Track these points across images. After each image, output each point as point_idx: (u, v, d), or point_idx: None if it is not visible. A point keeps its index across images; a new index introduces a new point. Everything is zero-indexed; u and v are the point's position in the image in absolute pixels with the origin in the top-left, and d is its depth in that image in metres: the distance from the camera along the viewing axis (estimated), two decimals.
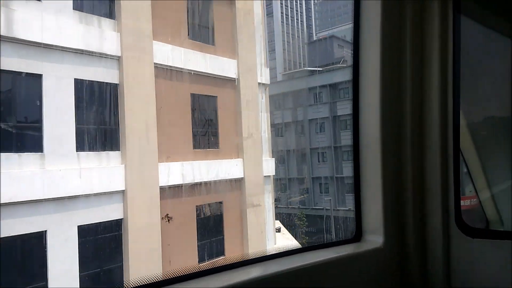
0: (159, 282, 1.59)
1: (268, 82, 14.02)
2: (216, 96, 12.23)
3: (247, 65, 12.97)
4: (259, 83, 13.48)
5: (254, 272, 1.77)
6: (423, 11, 2.11)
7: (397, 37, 2.11)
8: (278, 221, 21.14)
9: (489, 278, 1.98)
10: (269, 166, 13.87)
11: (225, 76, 12.42)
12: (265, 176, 13.52)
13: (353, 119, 2.23)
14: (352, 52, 2.26)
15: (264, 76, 13.84)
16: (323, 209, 31.14)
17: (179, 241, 10.76)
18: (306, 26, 71.20)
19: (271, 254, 1.89)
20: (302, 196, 32.85)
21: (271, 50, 67.84)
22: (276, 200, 34.40)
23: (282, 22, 68.68)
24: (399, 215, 2.12)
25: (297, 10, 70.85)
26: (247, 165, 12.62)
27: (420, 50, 2.12)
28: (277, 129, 33.87)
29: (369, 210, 2.15)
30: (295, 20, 69.66)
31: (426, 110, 2.10)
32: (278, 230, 16.69)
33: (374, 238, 2.09)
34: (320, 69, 33.91)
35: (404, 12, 2.11)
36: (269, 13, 68.58)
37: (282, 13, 68.17)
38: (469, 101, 2.62)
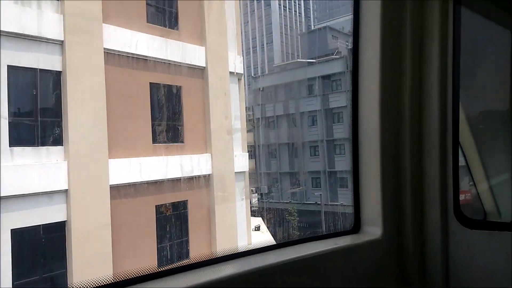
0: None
1: (242, 71, 12.85)
2: (181, 86, 11.10)
3: (216, 52, 11.80)
4: (231, 72, 12.33)
5: (252, 263, 1.71)
6: (423, 2, 2.03)
7: (397, 29, 2.05)
8: (260, 219, 20.09)
9: (487, 269, 1.95)
10: (242, 161, 12.76)
11: (191, 64, 11.27)
12: (237, 172, 12.42)
13: (352, 112, 2.18)
14: (352, 43, 2.18)
15: (237, 64, 12.67)
16: (315, 203, 30.10)
17: (134, 244, 9.70)
18: (305, 18, 69.60)
19: (270, 246, 1.83)
20: (293, 191, 31.78)
21: (269, 42, 66.47)
22: (268, 193, 33.38)
23: (280, 14, 67.17)
24: (397, 207, 2.09)
25: (295, 2, 69.24)
26: (216, 160, 11.51)
27: (420, 42, 2.05)
28: (269, 122, 32.76)
29: (368, 202, 2.12)
30: (293, 12, 68.06)
31: (425, 103, 2.05)
32: (258, 228, 15.63)
33: (373, 230, 2.06)
34: (313, 60, 32.67)
35: (404, 3, 2.04)
36: (266, 5, 67.10)
37: (280, 5, 66.64)
38: (469, 94, 2.57)
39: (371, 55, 2.06)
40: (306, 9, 71.67)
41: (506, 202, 2.78)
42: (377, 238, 2.03)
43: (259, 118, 32.51)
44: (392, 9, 2.03)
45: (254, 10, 67.13)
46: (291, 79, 31.68)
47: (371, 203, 2.11)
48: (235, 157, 12.33)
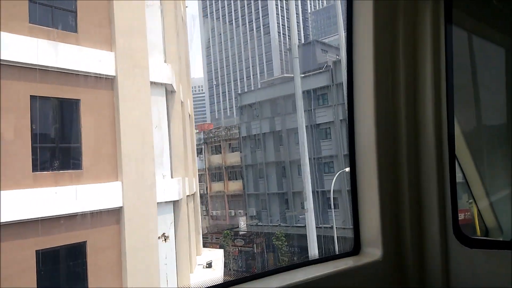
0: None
1: (171, 82, 10.51)
2: (79, 100, 8.77)
3: (131, 58, 9.49)
4: (154, 83, 9.98)
5: None
6: (415, 21, 2.00)
7: (390, 46, 2.01)
8: (222, 251, 17.46)
9: None
10: (171, 189, 10.29)
11: (94, 73, 8.97)
12: (163, 202, 9.94)
13: (348, 130, 2.09)
14: (346, 61, 2.09)
15: (163, 73, 10.35)
16: (305, 226, 27.25)
17: None
18: (304, 35, 67.68)
19: (272, 270, 1.80)
20: (283, 214, 28.98)
21: (268, 61, 64.66)
22: (255, 216, 30.63)
23: (279, 32, 65.49)
24: (397, 227, 2.02)
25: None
26: (128, 190, 9.07)
27: (413, 60, 2.02)
28: (255, 140, 30.31)
29: (367, 223, 2.06)
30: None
31: (420, 120, 2.00)
32: (209, 265, 13.02)
33: (373, 251, 2.00)
34: (302, 75, 30.28)
35: (396, 23, 2.00)
36: (265, 24, 65.54)
37: (278, 23, 65.03)
38: (464, 110, 2.54)
39: (364, 74, 1.99)
40: (305, 26, 69.93)
41: (507, 219, 2.65)
42: (377, 259, 1.94)
43: (245, 136, 30.13)
44: (385, 27, 1.96)
45: (253, 30, 65.67)
46: (276, 94, 29.29)
47: (370, 225, 2.02)
48: (161, 184, 9.87)
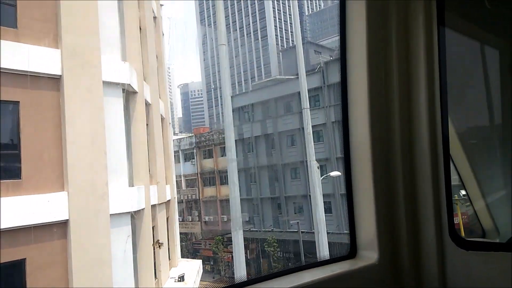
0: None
1: (129, 82, 9.59)
2: (18, 102, 7.88)
3: (80, 56, 8.57)
4: (108, 82, 9.07)
5: None
6: (407, 21, 1.99)
7: (383, 47, 2.00)
8: (200, 262, 16.50)
9: None
10: (131, 198, 9.35)
11: (35, 72, 8.07)
12: (120, 213, 9.00)
13: (343, 132, 2.06)
14: (340, 62, 2.07)
15: (120, 73, 9.43)
16: (297, 232, 26.22)
17: None
18: (302, 38, 66.87)
19: (269, 274, 1.77)
20: (276, 218, 27.94)
21: (265, 63, 63.80)
22: (249, 223, 29.61)
23: (276, 35, 64.68)
24: (392, 230, 2.00)
25: (290, 23, 66.72)
26: (75, 200, 8.14)
27: (406, 61, 2.00)
28: (249, 144, 29.38)
29: (363, 227, 2.04)
30: (289, 33, 65.44)
31: (414, 121, 1.98)
32: (181, 279, 12.06)
33: (369, 254, 1.99)
34: (292, 77, 29.34)
35: (389, 24, 1.99)
36: (262, 28, 64.75)
37: (276, 26, 64.21)
38: (459, 111, 2.49)
39: (358, 76, 1.97)
40: (303, 30, 69.06)
41: (504, 221, 2.61)
42: (373, 263, 1.93)
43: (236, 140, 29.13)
44: (378, 28, 1.95)
45: (250, 33, 64.90)
46: (268, 96, 28.36)
47: (366, 228, 2.00)
48: (116, 193, 8.93)
